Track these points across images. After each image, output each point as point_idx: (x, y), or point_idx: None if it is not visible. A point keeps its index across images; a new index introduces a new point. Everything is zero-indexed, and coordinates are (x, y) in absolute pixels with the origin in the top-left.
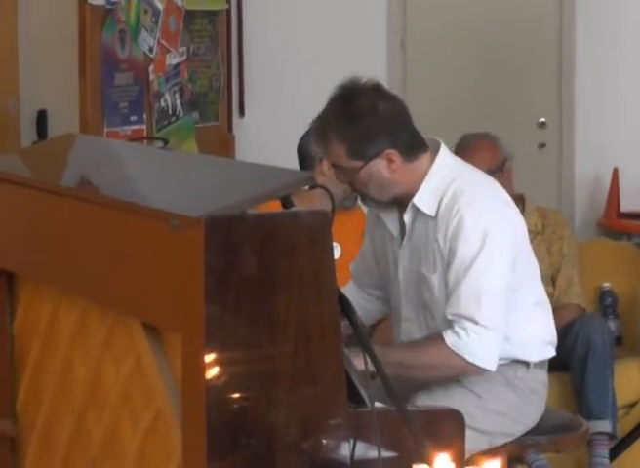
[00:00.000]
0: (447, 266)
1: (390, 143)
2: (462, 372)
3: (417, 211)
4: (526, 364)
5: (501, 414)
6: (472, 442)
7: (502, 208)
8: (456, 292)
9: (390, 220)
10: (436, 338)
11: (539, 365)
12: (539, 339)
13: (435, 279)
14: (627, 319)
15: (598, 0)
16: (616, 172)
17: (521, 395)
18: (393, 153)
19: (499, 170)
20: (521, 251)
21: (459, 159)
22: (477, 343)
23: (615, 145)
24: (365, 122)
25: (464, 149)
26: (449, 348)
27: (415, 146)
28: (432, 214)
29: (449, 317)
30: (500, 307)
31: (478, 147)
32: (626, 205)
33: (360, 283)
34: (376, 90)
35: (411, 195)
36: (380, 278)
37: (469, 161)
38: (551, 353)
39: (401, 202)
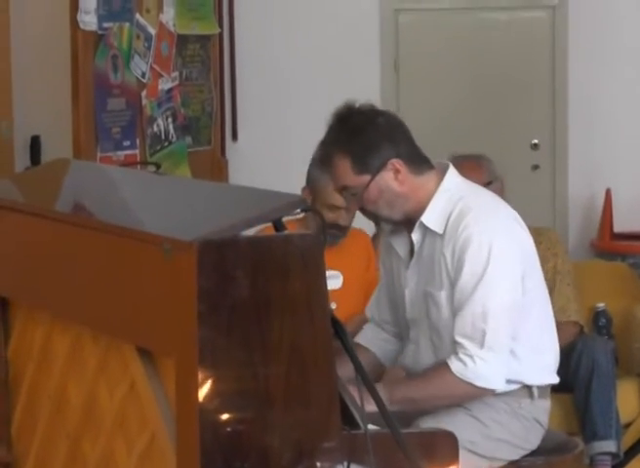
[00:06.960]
0: (454, 283)
1: (394, 153)
2: (471, 397)
3: (425, 229)
4: (530, 393)
5: (504, 442)
6: (473, 465)
7: (509, 224)
8: (462, 313)
9: (399, 243)
10: (441, 368)
11: (542, 394)
12: (545, 364)
13: (442, 296)
14: (622, 339)
15: (591, 22)
16: (609, 192)
17: (525, 424)
18: (398, 162)
19: None
20: (531, 267)
21: (466, 180)
22: (483, 368)
23: (607, 166)
24: (366, 134)
25: None
26: (456, 377)
27: (418, 159)
28: (440, 231)
29: (456, 338)
30: (507, 326)
31: (460, 167)
32: (620, 226)
33: (379, 321)
34: (371, 108)
35: (419, 213)
36: (397, 309)
37: None
38: (555, 380)
39: (409, 221)
